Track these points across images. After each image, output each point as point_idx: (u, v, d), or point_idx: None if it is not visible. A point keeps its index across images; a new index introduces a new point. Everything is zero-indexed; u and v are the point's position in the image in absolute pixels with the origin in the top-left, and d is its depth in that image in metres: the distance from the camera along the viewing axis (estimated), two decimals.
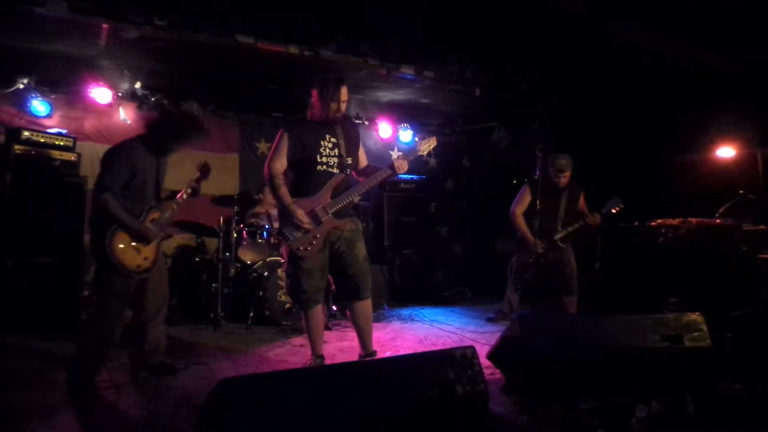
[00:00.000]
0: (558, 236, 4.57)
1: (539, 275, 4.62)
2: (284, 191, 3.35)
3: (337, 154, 3.45)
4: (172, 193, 3.67)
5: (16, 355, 4.03)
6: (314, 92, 3.40)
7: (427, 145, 3.63)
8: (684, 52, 5.17)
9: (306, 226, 3.30)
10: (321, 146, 3.40)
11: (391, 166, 3.42)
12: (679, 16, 4.65)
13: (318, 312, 3.51)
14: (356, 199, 3.51)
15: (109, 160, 3.32)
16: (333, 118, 3.41)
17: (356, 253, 3.47)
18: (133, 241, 3.23)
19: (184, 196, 3.63)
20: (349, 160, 3.50)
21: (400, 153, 7.90)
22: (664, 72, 5.61)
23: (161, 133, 3.40)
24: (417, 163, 3.70)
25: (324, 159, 3.40)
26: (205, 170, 3.69)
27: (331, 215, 3.38)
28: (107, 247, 3.12)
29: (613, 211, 4.56)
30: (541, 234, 4.53)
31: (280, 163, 3.39)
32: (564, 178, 4.56)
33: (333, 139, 3.45)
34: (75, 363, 3.24)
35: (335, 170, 3.44)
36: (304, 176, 3.41)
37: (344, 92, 3.38)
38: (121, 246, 3.18)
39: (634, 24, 4.81)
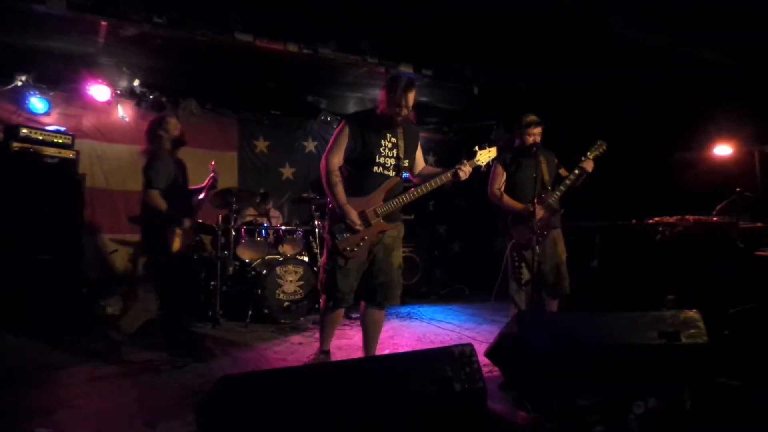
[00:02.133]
0: (558, 194, 4.08)
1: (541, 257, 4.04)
2: (340, 189, 3.24)
3: (395, 155, 3.33)
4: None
5: (16, 353, 4.03)
6: (384, 91, 3.24)
7: (487, 156, 3.45)
8: (683, 50, 5.18)
9: (358, 227, 3.20)
10: (381, 145, 3.29)
11: (455, 173, 3.30)
12: (679, 14, 4.65)
13: (342, 312, 3.47)
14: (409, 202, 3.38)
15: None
16: (397, 120, 3.27)
17: (392, 261, 3.37)
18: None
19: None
20: (406, 163, 3.39)
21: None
22: (662, 70, 5.62)
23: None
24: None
25: (382, 160, 3.29)
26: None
27: (381, 218, 3.29)
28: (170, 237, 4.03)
29: (599, 153, 4.13)
30: (533, 203, 3.99)
31: (338, 158, 3.27)
32: (536, 137, 4.14)
33: (393, 139, 3.33)
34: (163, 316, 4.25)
35: (391, 173, 3.33)
36: (359, 176, 3.29)
37: (412, 97, 3.24)
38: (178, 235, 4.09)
39: (634, 22, 4.82)
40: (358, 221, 3.19)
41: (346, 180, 3.29)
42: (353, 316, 5.22)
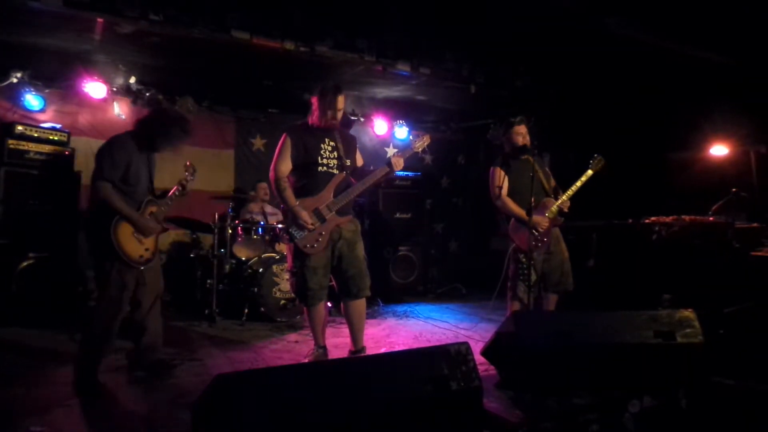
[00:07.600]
0: (561, 201, 4.13)
1: (546, 260, 4.11)
2: (289, 193, 3.51)
3: (336, 156, 3.62)
4: (163, 192, 3.69)
5: (12, 351, 4.01)
6: (314, 99, 3.57)
7: (421, 143, 3.78)
8: (679, 50, 5.19)
9: (310, 226, 3.44)
10: (321, 149, 3.58)
11: (389, 164, 3.59)
12: (674, 13, 4.66)
13: (321, 307, 3.64)
14: (356, 196, 3.64)
15: (104, 153, 3.39)
16: (330, 125, 3.57)
17: (356, 254, 3.61)
18: (136, 232, 3.31)
19: (176, 194, 3.66)
20: (348, 162, 3.66)
21: (396, 150, 7.93)
22: (658, 69, 5.63)
23: (150, 131, 3.49)
24: (412, 160, 3.84)
25: (324, 161, 3.57)
26: (192, 170, 3.80)
27: (334, 213, 3.54)
28: (112, 238, 3.17)
29: (598, 169, 4.24)
30: (536, 211, 4.00)
31: (285, 166, 3.55)
32: (525, 136, 4.20)
33: (332, 143, 3.63)
34: (79, 356, 3.24)
35: (335, 171, 3.60)
36: (307, 177, 3.56)
37: (341, 100, 3.57)
38: (125, 236, 3.26)
39: (630, 21, 4.82)
40: (309, 220, 3.44)
41: (295, 183, 3.58)
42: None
